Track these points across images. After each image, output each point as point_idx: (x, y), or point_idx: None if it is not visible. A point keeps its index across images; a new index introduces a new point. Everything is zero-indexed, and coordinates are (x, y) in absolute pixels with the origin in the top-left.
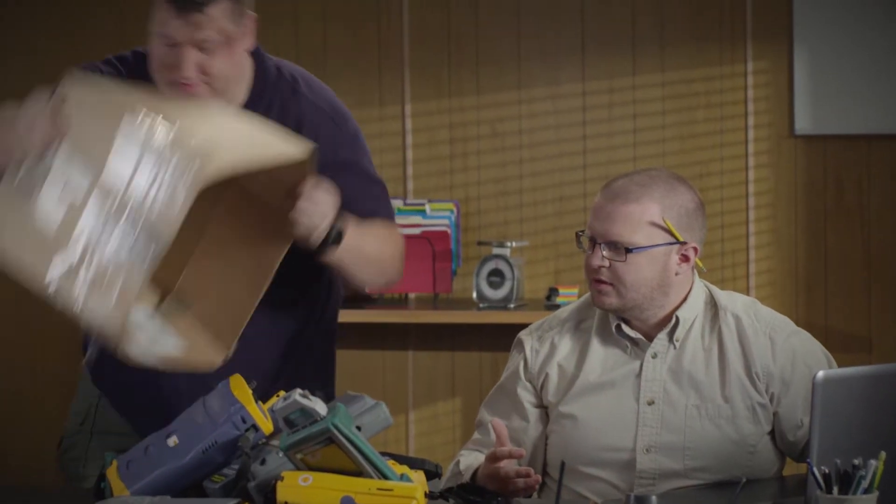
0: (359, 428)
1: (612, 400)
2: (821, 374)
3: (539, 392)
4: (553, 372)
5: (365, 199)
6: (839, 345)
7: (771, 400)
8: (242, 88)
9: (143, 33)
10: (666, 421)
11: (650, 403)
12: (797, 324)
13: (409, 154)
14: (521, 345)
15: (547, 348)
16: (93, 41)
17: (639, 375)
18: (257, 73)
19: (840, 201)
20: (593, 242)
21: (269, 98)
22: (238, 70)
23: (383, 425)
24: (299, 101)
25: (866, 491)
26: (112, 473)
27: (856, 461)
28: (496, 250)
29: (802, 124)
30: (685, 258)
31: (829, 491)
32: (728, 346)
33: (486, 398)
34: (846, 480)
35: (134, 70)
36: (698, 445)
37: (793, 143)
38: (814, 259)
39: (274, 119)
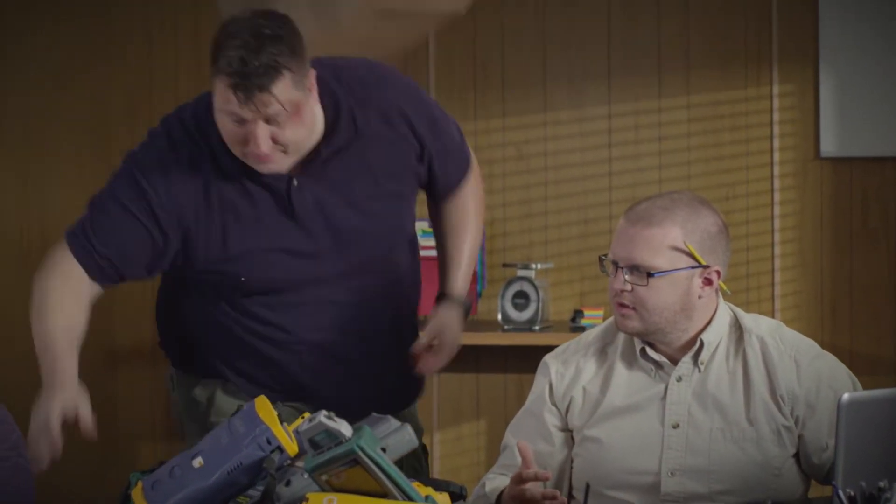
0: (384, 450)
1: (636, 423)
2: (846, 396)
3: (564, 416)
4: (578, 395)
5: (454, 160)
6: (865, 367)
7: (796, 423)
8: (319, 130)
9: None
10: (691, 444)
11: (675, 427)
12: (823, 346)
13: None
14: (546, 368)
15: (572, 372)
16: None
17: (663, 398)
18: (328, 109)
19: (866, 223)
20: (616, 266)
21: (345, 124)
22: (311, 126)
23: (408, 447)
24: (371, 101)
25: None
26: (137, 494)
27: (881, 483)
28: (521, 272)
29: (828, 147)
30: (708, 282)
31: None
32: (753, 368)
33: (511, 422)
34: (871, 502)
35: (194, 132)
36: (723, 468)
37: (819, 165)
38: (840, 281)
39: (358, 128)
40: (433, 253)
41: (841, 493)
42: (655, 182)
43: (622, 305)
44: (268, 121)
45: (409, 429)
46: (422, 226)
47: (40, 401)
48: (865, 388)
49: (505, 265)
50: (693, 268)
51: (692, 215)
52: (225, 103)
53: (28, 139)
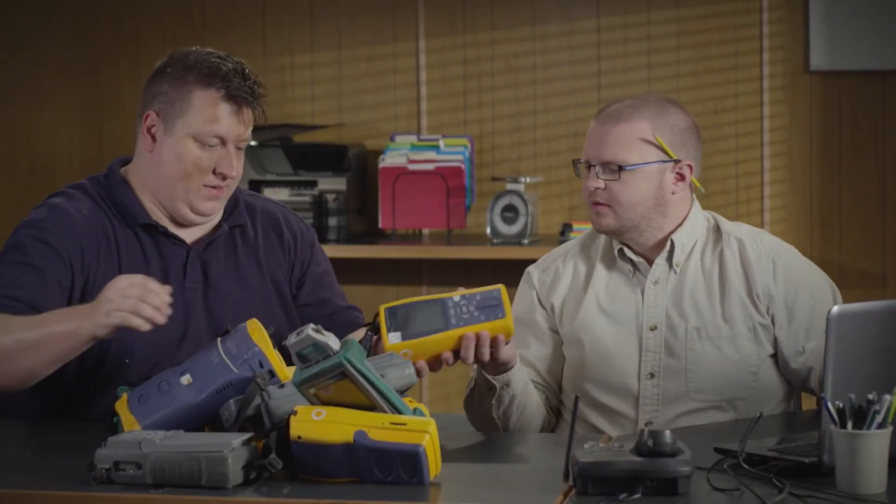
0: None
1: (615, 327)
2: (836, 308)
3: (552, 317)
4: (558, 300)
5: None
6: (853, 280)
7: (772, 321)
8: None
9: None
10: (668, 345)
11: (652, 329)
12: (812, 259)
13: (424, 90)
14: (529, 278)
15: (551, 277)
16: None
17: (641, 302)
18: None
19: (855, 137)
20: (589, 166)
21: (241, 210)
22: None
23: (407, 382)
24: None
25: (880, 426)
26: (122, 407)
27: (870, 396)
28: (510, 186)
29: (818, 60)
30: (681, 177)
31: (844, 426)
32: (730, 267)
33: None
34: (860, 415)
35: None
36: (699, 367)
37: (808, 79)
38: (828, 195)
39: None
40: (428, 167)
41: (829, 405)
42: None
43: (597, 203)
44: (236, 146)
45: (410, 365)
46: (410, 139)
47: (89, 311)
48: (854, 301)
49: (494, 179)
50: (664, 161)
51: (661, 111)
52: (210, 121)
53: (13, 59)
